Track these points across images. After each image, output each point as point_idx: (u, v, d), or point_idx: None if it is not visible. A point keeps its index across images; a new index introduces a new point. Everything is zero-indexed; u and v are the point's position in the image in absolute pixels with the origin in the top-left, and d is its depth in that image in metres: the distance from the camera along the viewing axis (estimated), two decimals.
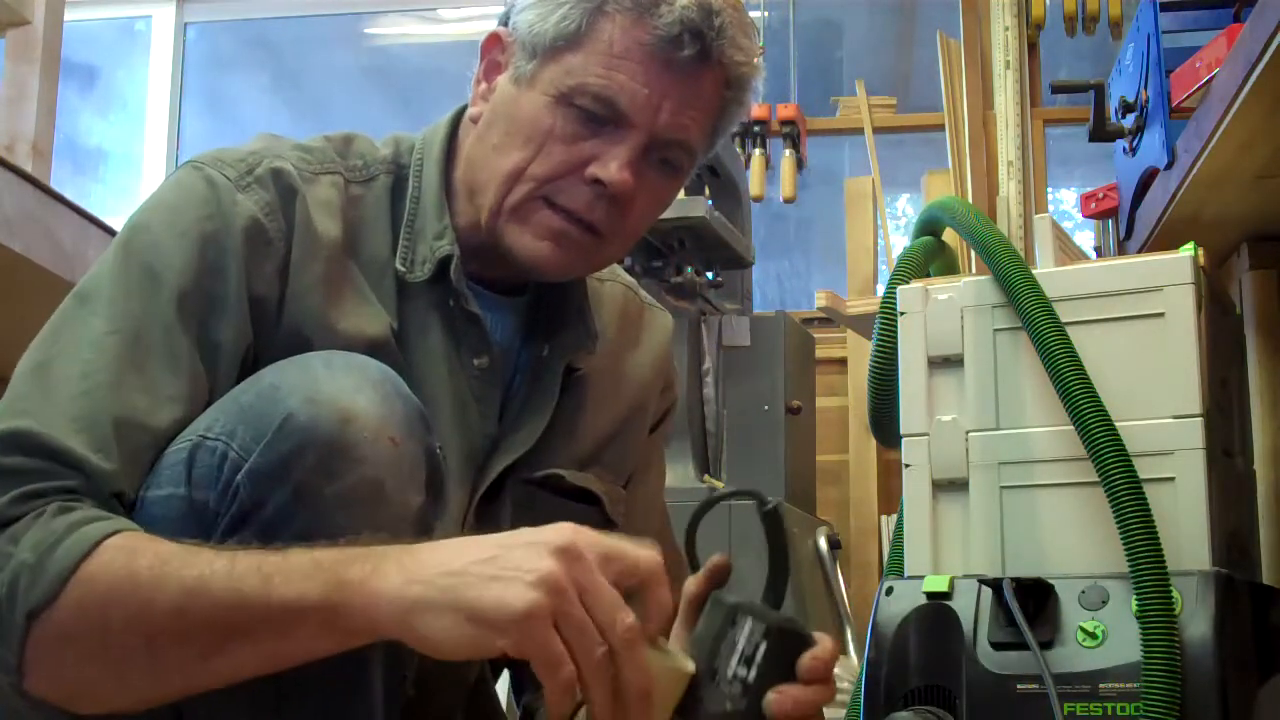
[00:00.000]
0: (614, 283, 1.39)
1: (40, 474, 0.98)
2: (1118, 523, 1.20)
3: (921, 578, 1.30)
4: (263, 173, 1.15)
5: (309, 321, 1.13)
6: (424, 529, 1.06)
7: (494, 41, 1.22)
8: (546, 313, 1.28)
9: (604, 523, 1.31)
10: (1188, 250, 1.29)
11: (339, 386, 1.01)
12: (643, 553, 0.92)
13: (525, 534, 0.91)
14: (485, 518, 1.22)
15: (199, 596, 0.92)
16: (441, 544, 0.92)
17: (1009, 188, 3.28)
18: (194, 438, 1.02)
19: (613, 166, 1.15)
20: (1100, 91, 2.11)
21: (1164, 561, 1.18)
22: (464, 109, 1.27)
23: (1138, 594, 1.18)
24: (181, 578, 0.92)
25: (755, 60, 1.20)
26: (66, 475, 0.99)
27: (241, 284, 1.11)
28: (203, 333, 1.09)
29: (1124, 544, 1.19)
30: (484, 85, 1.23)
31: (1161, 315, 1.27)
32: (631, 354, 1.37)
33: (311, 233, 1.15)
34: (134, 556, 0.94)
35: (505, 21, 1.22)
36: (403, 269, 1.19)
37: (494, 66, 1.22)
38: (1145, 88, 1.92)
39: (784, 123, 3.63)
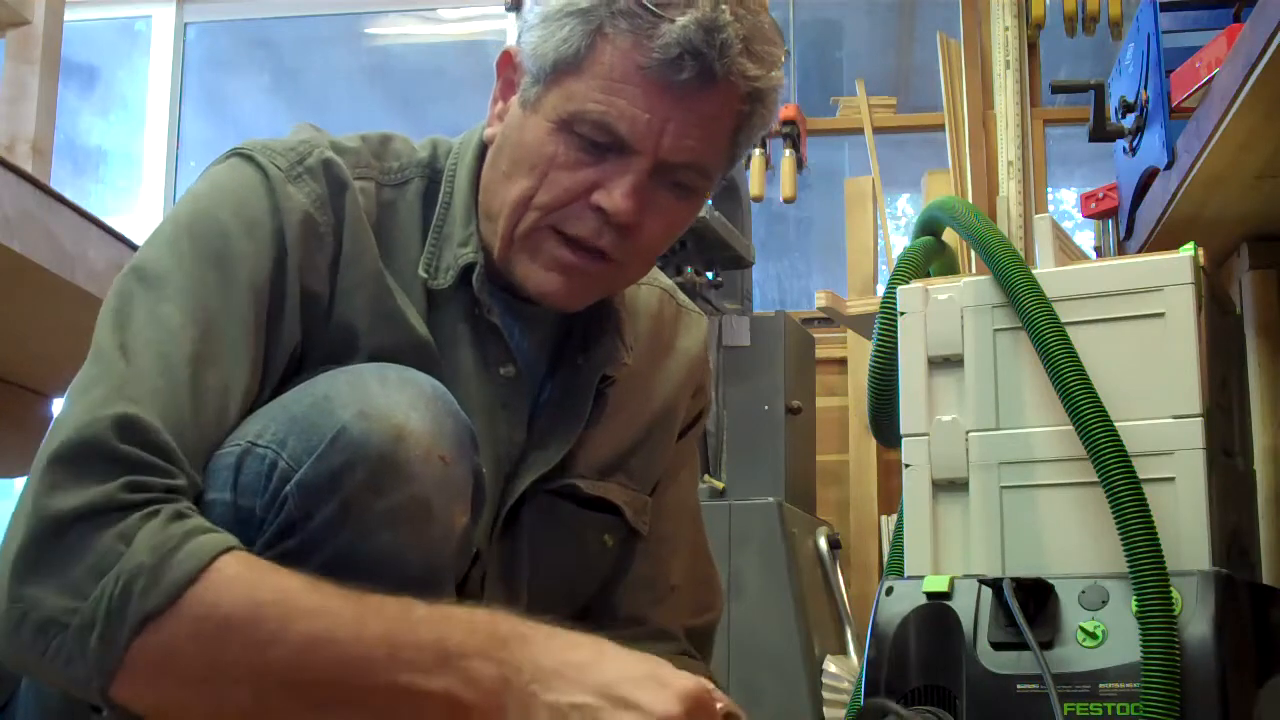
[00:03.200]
0: (651, 286, 1.37)
1: (149, 468, 0.96)
2: (1117, 523, 1.20)
3: (921, 578, 1.30)
4: (314, 163, 1.14)
5: (359, 318, 1.12)
6: (465, 546, 1.06)
7: (506, 60, 1.20)
8: (581, 323, 1.26)
9: (626, 531, 1.31)
10: (1188, 250, 1.29)
11: (392, 402, 1.00)
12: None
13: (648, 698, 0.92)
14: (511, 527, 1.22)
15: (321, 653, 0.91)
16: (571, 664, 0.93)
17: (1009, 188, 3.28)
18: (243, 443, 1.01)
19: (616, 195, 1.12)
20: (1100, 91, 2.12)
21: (1164, 561, 1.18)
22: None
23: (1138, 594, 1.18)
24: (308, 627, 0.91)
25: (773, 71, 1.15)
26: (173, 474, 0.97)
27: (297, 280, 1.10)
28: (268, 330, 1.08)
29: (1124, 544, 1.19)
30: (500, 105, 1.20)
31: (1161, 315, 1.27)
32: (664, 360, 1.35)
33: (361, 226, 1.14)
34: (256, 586, 0.92)
35: (520, 38, 1.19)
36: (426, 276, 1.17)
37: (508, 86, 1.19)
38: (1145, 88, 1.92)
39: (784, 123, 3.62)
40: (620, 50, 1.10)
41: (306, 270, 1.11)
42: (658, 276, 1.39)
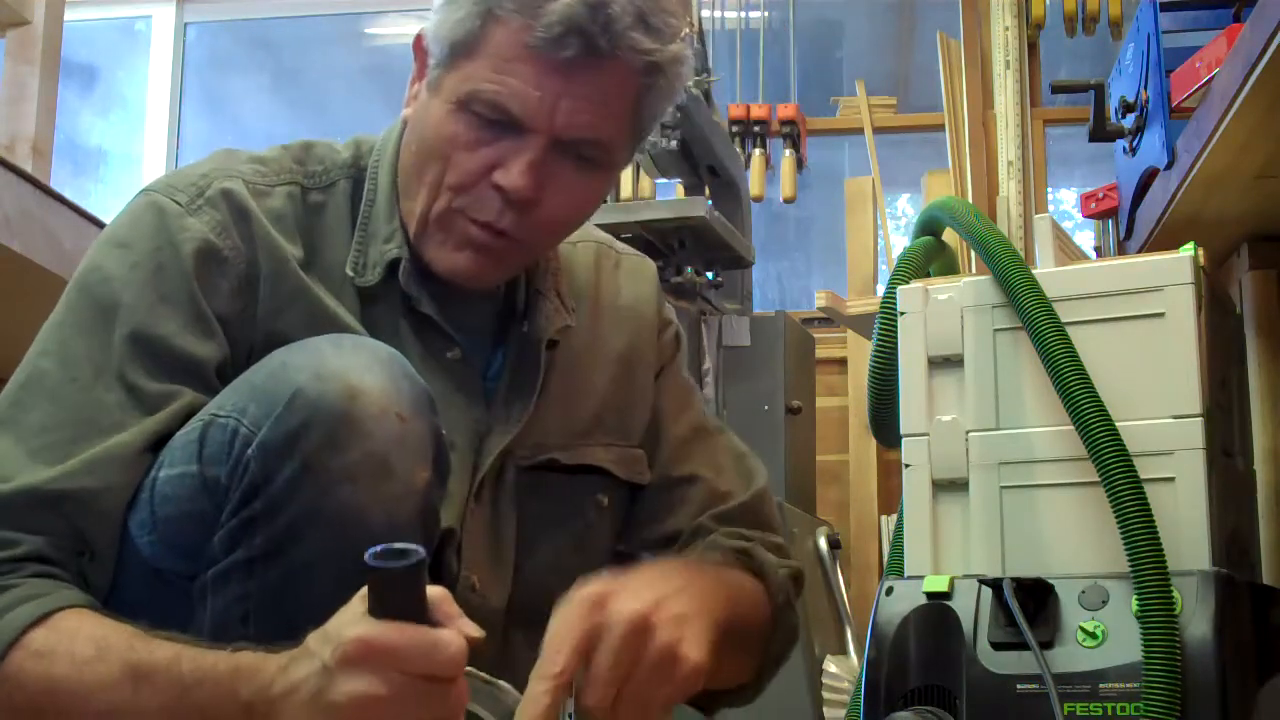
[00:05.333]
0: (587, 241, 1.38)
1: None
2: (1118, 523, 1.20)
3: (921, 578, 1.30)
4: (213, 194, 1.16)
5: (297, 333, 1.13)
6: (430, 506, 1.07)
7: (418, 43, 1.22)
8: (519, 291, 1.28)
9: (619, 489, 1.32)
10: (1188, 250, 1.29)
11: (347, 364, 1.03)
12: (444, 649, 0.88)
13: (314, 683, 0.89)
14: (487, 503, 1.22)
15: None
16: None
17: (1009, 188, 3.28)
18: (206, 416, 1.05)
19: (514, 173, 1.14)
20: (1100, 91, 2.12)
21: (1164, 561, 1.18)
22: None
23: (1138, 594, 1.18)
24: (94, 707, 0.96)
25: (671, 44, 1.15)
26: (14, 544, 1.02)
27: (200, 302, 1.13)
28: (169, 358, 1.10)
29: (1125, 544, 1.19)
30: (416, 87, 1.23)
31: (1161, 315, 1.27)
32: (614, 307, 1.36)
33: (275, 248, 1.17)
34: (53, 663, 0.97)
35: None
36: (353, 274, 1.20)
37: (421, 69, 1.22)
38: (1145, 88, 1.92)
39: (784, 123, 3.62)
40: (509, 30, 1.13)
41: (210, 295, 1.13)
42: (592, 231, 1.40)
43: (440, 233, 1.19)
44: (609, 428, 1.32)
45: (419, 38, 1.22)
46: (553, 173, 1.16)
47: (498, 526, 1.23)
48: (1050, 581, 1.24)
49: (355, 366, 1.03)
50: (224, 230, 1.15)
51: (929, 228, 1.52)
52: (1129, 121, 2.01)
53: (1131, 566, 1.19)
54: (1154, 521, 1.19)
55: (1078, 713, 1.19)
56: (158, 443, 1.08)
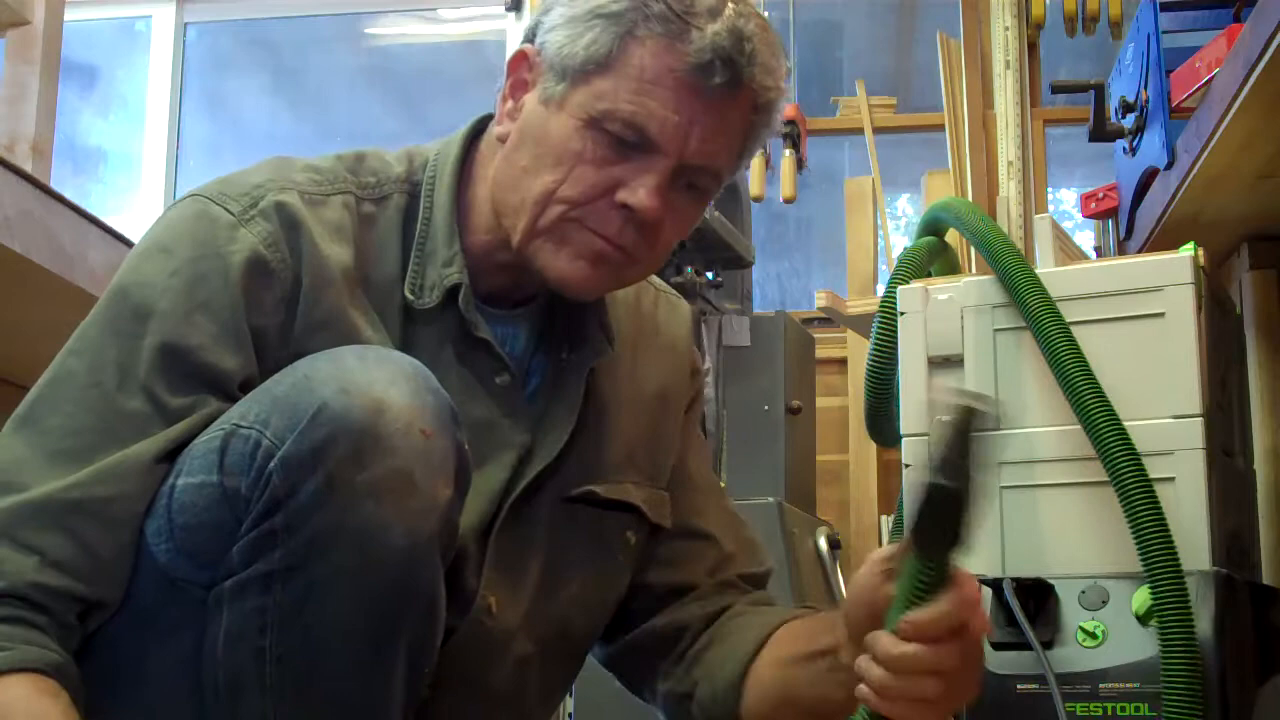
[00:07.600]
0: None
1: None
2: (1129, 522, 1.20)
3: None
4: (266, 206, 1.16)
5: (325, 348, 1.13)
6: (451, 522, 1.07)
7: (520, 59, 1.21)
8: (563, 317, 1.28)
9: (646, 529, 1.32)
10: (1188, 250, 1.29)
11: (372, 378, 1.02)
12: None
13: None
14: (514, 526, 1.22)
15: None
16: None
17: (1009, 188, 3.28)
18: (228, 426, 1.04)
19: (641, 193, 1.14)
20: (1100, 91, 2.12)
21: (1178, 559, 1.18)
22: (480, 123, 1.27)
23: (1153, 592, 1.18)
24: None
25: (782, 83, 1.19)
26: (11, 575, 1.01)
27: (239, 315, 1.12)
28: (195, 370, 1.10)
29: (1136, 543, 1.19)
30: (510, 104, 1.21)
31: (1161, 315, 1.28)
32: (651, 348, 1.36)
33: (321, 262, 1.15)
34: None
35: (531, 38, 1.20)
36: (411, 297, 1.19)
37: (520, 85, 1.21)
38: (1145, 88, 1.92)
39: (784, 123, 3.62)
40: (652, 52, 1.13)
41: (252, 307, 1.12)
42: None
43: (553, 241, 1.17)
44: (640, 466, 1.32)
45: (522, 54, 1.21)
46: (670, 197, 1.17)
47: (523, 552, 1.23)
48: (1050, 581, 1.25)
49: (380, 380, 1.02)
50: (274, 243, 1.14)
51: (932, 228, 1.52)
52: (1129, 121, 2.01)
53: (1144, 565, 1.19)
54: (1165, 520, 1.19)
55: (1078, 713, 1.19)
56: (174, 452, 1.07)
